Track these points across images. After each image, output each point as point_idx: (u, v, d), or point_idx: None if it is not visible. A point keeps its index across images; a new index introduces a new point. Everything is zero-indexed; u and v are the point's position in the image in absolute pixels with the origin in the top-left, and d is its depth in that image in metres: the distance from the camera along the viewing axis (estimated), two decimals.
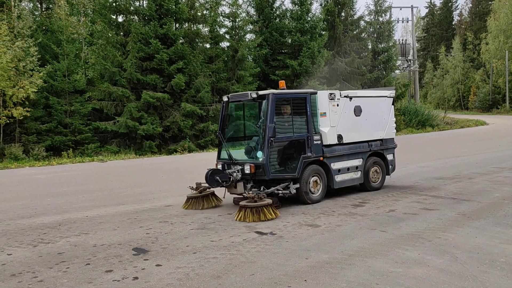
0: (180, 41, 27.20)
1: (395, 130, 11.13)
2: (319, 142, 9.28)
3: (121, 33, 27.17)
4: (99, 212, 9.26)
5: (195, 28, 28.75)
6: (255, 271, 5.32)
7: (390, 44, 40.00)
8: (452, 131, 36.26)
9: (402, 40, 50.32)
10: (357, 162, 10.09)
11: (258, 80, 31.41)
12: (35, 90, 23.11)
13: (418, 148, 22.27)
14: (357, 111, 10.01)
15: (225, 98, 9.56)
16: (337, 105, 9.58)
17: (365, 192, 10.35)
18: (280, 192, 8.55)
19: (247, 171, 8.60)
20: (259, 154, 8.51)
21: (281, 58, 32.59)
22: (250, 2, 35.06)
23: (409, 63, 47.13)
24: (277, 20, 34.63)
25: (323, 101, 9.44)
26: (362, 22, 39.02)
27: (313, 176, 9.20)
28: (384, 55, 39.10)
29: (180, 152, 24.77)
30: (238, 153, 9.38)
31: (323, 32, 35.11)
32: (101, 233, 7.50)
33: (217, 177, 8.66)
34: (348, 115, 9.82)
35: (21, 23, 24.83)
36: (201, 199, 9.24)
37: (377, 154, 10.61)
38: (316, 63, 31.62)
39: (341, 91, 9.73)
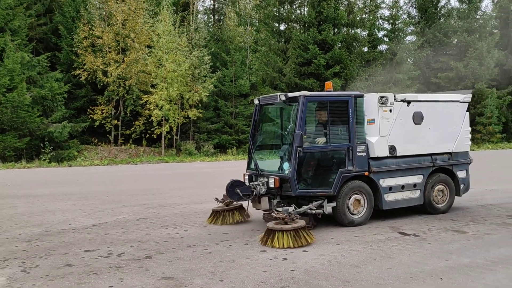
0: (338, 45, 27.84)
1: (469, 142, 9.35)
2: (364, 154, 7.88)
3: (282, 40, 28.94)
4: None
5: (353, 32, 29.10)
6: (393, 265, 5.69)
7: None
8: None
9: None
10: (416, 179, 8.53)
11: (418, 83, 30.39)
12: (207, 94, 26.13)
13: None
14: (417, 118, 8.42)
15: (256, 101, 8.47)
16: (390, 110, 8.10)
17: None
18: (313, 211, 7.41)
19: (271, 184, 7.48)
20: (285, 165, 7.42)
21: (444, 60, 31.00)
22: (412, 2, 34.07)
23: None
24: (441, 20, 33.04)
25: (371, 106, 8.03)
26: None
27: (354, 194, 7.83)
28: None
29: None
30: (270, 163, 8.17)
31: (495, 31, 32.30)
32: (257, 220, 8.55)
33: (238, 190, 7.61)
34: (404, 123, 8.30)
35: (197, 35, 28.20)
36: (226, 213, 8.27)
37: (444, 170, 8.93)
38: (485, 64, 29.31)
39: (396, 95, 8.31)
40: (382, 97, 8.03)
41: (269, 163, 8.19)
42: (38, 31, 28.20)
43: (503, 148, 29.34)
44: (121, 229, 8.11)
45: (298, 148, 7.15)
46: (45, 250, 6.73)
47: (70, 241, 7.27)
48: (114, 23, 26.62)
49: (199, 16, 33.69)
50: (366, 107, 8.05)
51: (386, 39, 30.82)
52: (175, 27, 26.19)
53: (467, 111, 9.23)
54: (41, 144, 22.60)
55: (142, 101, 25.65)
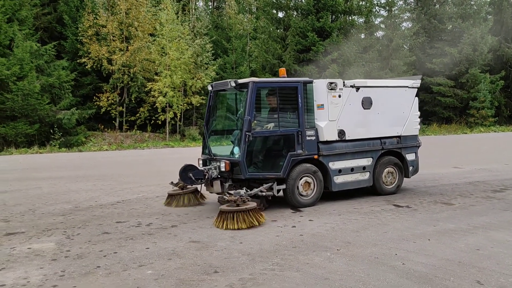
0: (335, 33, 28.54)
1: (418, 126, 9.66)
2: (313, 138, 8.19)
3: (282, 28, 29.60)
4: None
5: (350, 19, 29.78)
6: (388, 230, 6.61)
7: None
8: None
9: None
10: (365, 161, 8.86)
11: (414, 69, 31.17)
12: (209, 81, 26.87)
13: None
14: (366, 103, 8.73)
15: (209, 87, 8.75)
16: (339, 96, 8.40)
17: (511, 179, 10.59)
18: (264, 193, 7.73)
19: (222, 168, 7.76)
20: (236, 150, 7.73)
21: (439, 46, 31.75)
22: None
23: None
24: (436, 6, 33.68)
25: (320, 92, 8.32)
26: None
27: (303, 177, 8.16)
28: None
29: None
30: (223, 148, 8.51)
31: (489, 17, 33.02)
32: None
33: (190, 174, 7.95)
34: (353, 108, 8.61)
35: (199, 23, 28.85)
36: (182, 196, 8.62)
37: (393, 153, 9.28)
38: (478, 50, 30.10)
39: (345, 81, 8.60)
40: (331, 83, 8.33)
41: (222, 147, 8.53)
42: (43, 20, 28.80)
43: (495, 131, 30.30)
44: (143, 204, 8.99)
45: (247, 133, 7.45)
46: (81, 222, 7.61)
47: (101, 215, 8.15)
48: (118, 12, 27.22)
49: (199, 1, 34.27)
50: (315, 93, 8.33)
51: (382, 25, 31.52)
52: (178, 16, 26.83)
53: (416, 96, 9.56)
54: (51, 131, 23.40)
55: (146, 89, 26.38)
